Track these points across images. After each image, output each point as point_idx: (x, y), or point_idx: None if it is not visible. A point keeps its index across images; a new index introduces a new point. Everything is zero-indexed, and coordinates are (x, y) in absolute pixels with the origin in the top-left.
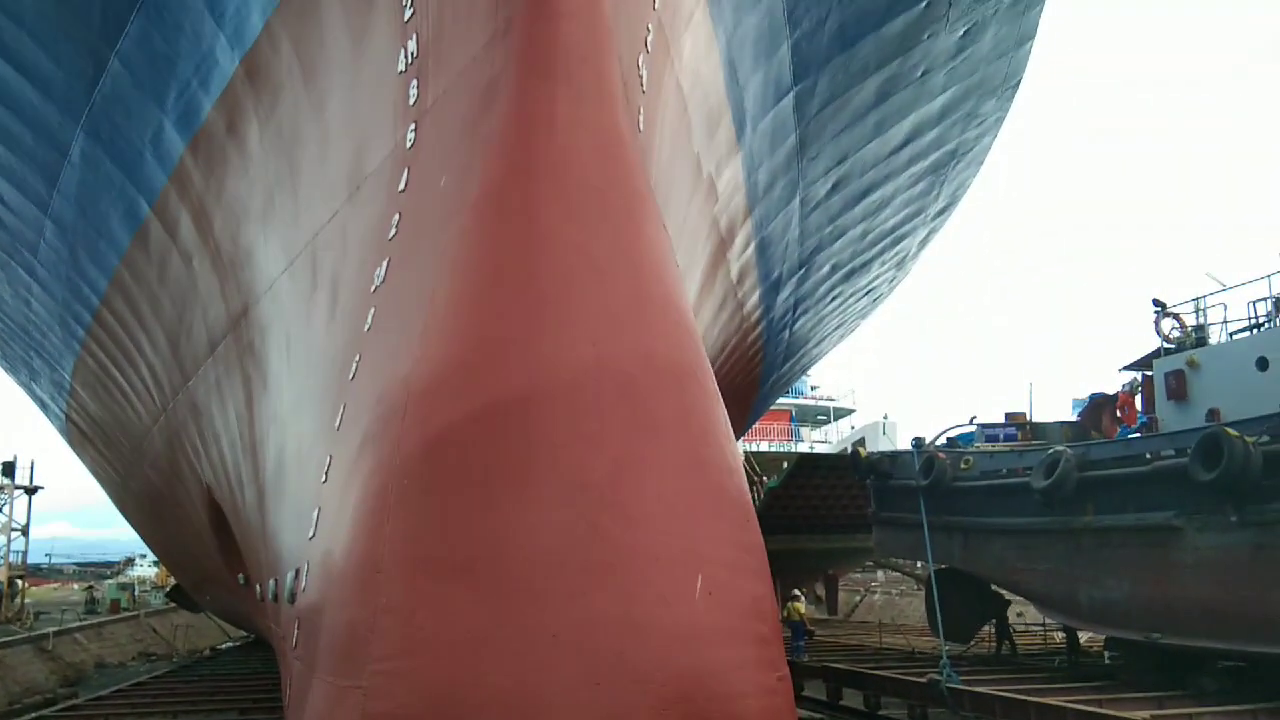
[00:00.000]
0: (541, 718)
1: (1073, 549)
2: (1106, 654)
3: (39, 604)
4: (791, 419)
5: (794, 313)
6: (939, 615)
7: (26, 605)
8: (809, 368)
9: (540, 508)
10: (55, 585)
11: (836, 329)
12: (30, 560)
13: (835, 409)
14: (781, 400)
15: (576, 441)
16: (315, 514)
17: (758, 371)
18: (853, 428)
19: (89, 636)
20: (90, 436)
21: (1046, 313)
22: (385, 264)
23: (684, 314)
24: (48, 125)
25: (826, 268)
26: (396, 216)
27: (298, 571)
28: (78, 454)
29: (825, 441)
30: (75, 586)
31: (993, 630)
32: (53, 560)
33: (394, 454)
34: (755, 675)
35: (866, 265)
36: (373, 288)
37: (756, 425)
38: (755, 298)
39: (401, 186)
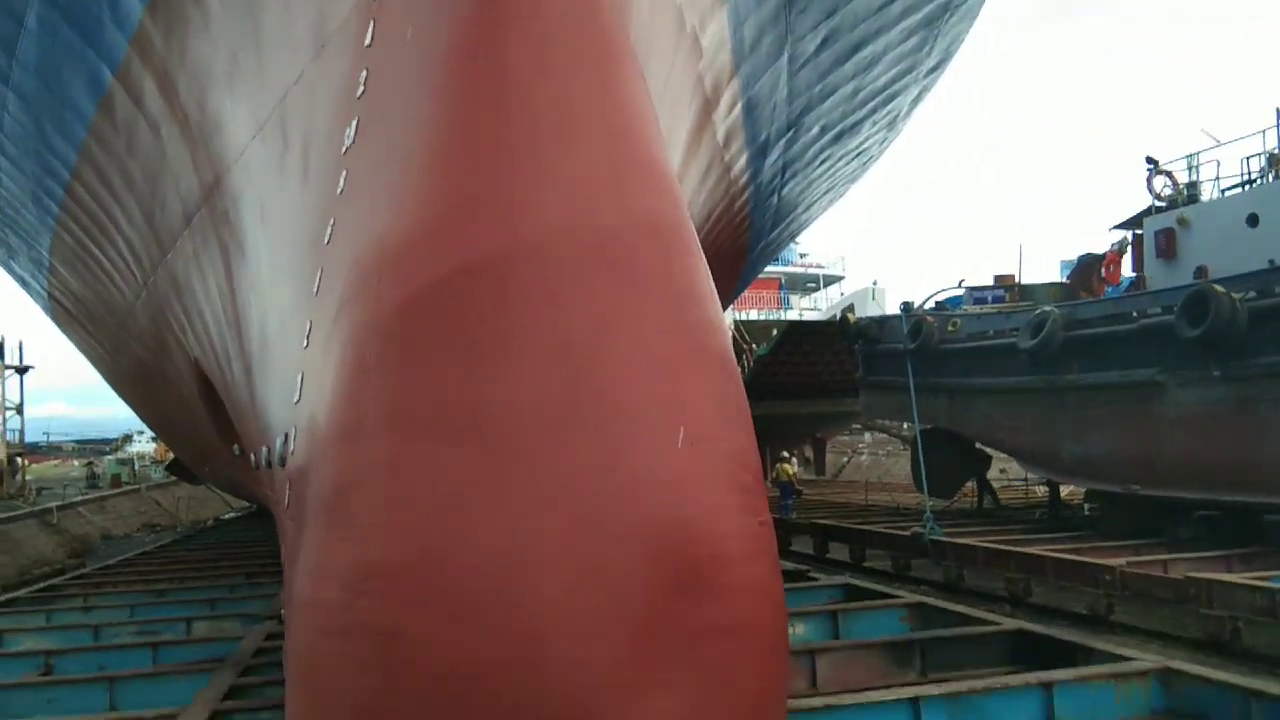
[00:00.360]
0: (531, 570)
1: (1057, 406)
2: (1086, 507)
3: (40, 480)
4: (781, 287)
5: (782, 177)
6: (924, 472)
7: (28, 482)
8: (798, 234)
9: (521, 365)
10: (56, 463)
11: (826, 194)
12: (28, 439)
13: (825, 276)
14: (770, 268)
15: (556, 299)
16: (299, 379)
17: (745, 239)
18: (842, 294)
19: (92, 510)
20: (75, 314)
21: (1039, 171)
22: (355, 124)
23: (665, 169)
24: None
25: (816, 129)
26: (364, 73)
27: (286, 436)
28: (64, 332)
29: (815, 309)
30: (75, 463)
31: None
32: (51, 439)
33: (371, 316)
34: (738, 520)
35: (857, 126)
36: (343, 149)
37: (745, 294)
38: (742, 162)
39: (368, 41)
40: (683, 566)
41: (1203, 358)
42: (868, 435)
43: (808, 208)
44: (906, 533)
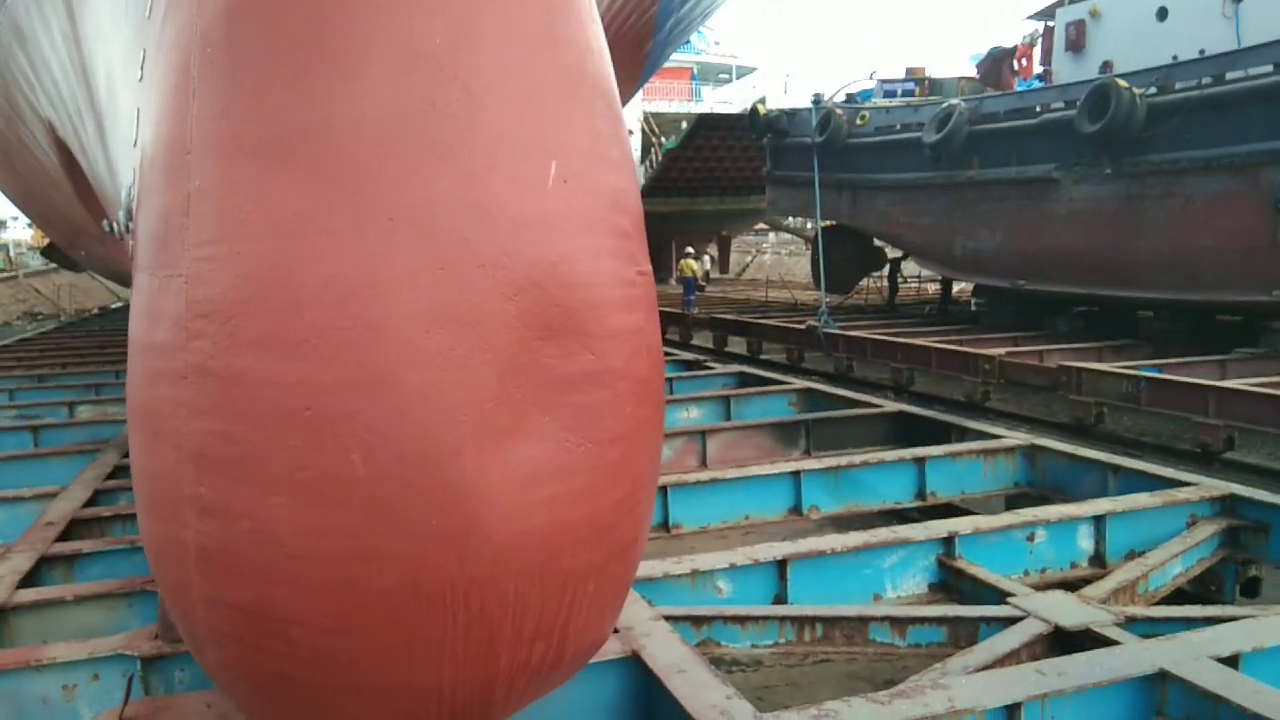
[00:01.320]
0: (382, 301)
1: (954, 202)
2: (973, 302)
3: None
4: (693, 77)
5: None
6: (822, 268)
7: None
8: (712, 11)
9: (367, 79)
10: None
11: None
12: None
13: (737, 67)
14: (681, 56)
15: (405, 3)
16: (137, 116)
17: (654, 10)
18: (753, 88)
19: None
20: None
21: None
22: None
23: None
24: None
25: None
26: None
27: (129, 188)
28: None
29: (727, 103)
30: None
31: (873, 284)
32: None
33: (193, 22)
34: (612, 265)
35: None
36: None
37: (655, 84)
38: None
39: None
40: (550, 309)
41: (1099, 154)
42: (772, 235)
43: None
44: (801, 326)
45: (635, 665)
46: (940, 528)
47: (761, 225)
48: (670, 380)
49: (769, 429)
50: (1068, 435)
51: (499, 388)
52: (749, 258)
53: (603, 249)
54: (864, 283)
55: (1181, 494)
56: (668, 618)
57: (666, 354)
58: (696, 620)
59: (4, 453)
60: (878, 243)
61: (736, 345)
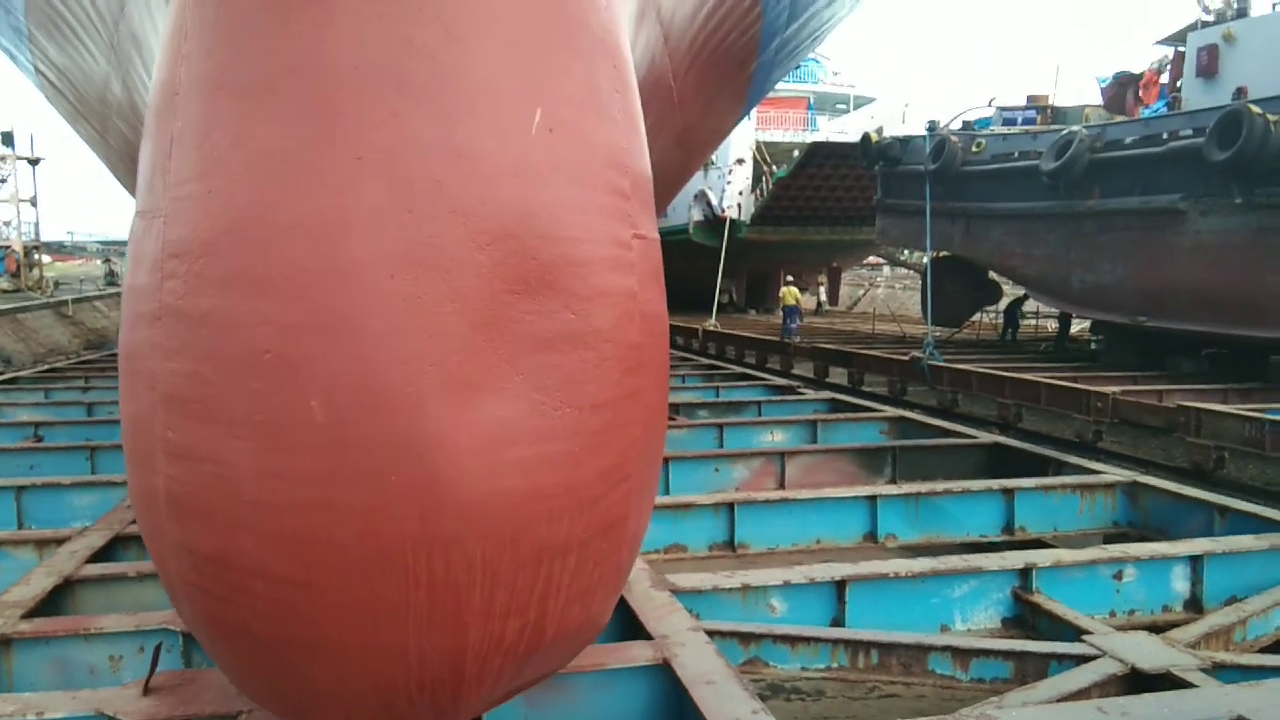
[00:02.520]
0: (347, 242)
1: (1073, 233)
2: (1092, 340)
3: (62, 277)
4: (809, 107)
5: None
6: (929, 299)
7: (46, 277)
8: (822, 35)
9: (346, 18)
10: (80, 262)
11: None
12: (50, 238)
13: (855, 97)
14: (796, 86)
15: None
16: None
17: (756, 29)
18: (871, 118)
19: (109, 305)
20: (60, 89)
21: None
22: None
23: None
24: None
25: None
26: None
27: None
28: (59, 112)
29: (843, 133)
30: (98, 263)
31: (987, 319)
32: (75, 239)
33: None
34: (602, 223)
35: None
36: None
37: (769, 113)
38: None
39: None
40: (527, 262)
41: (1228, 183)
42: (887, 269)
43: (830, 2)
44: (905, 358)
45: (665, 674)
46: (1017, 558)
47: (875, 260)
48: (758, 404)
49: (853, 454)
50: (1185, 480)
51: (468, 339)
52: (861, 291)
53: (592, 205)
54: (977, 318)
55: None
56: (713, 632)
57: (758, 379)
58: (744, 637)
59: (110, 442)
60: (993, 276)
61: (838, 376)
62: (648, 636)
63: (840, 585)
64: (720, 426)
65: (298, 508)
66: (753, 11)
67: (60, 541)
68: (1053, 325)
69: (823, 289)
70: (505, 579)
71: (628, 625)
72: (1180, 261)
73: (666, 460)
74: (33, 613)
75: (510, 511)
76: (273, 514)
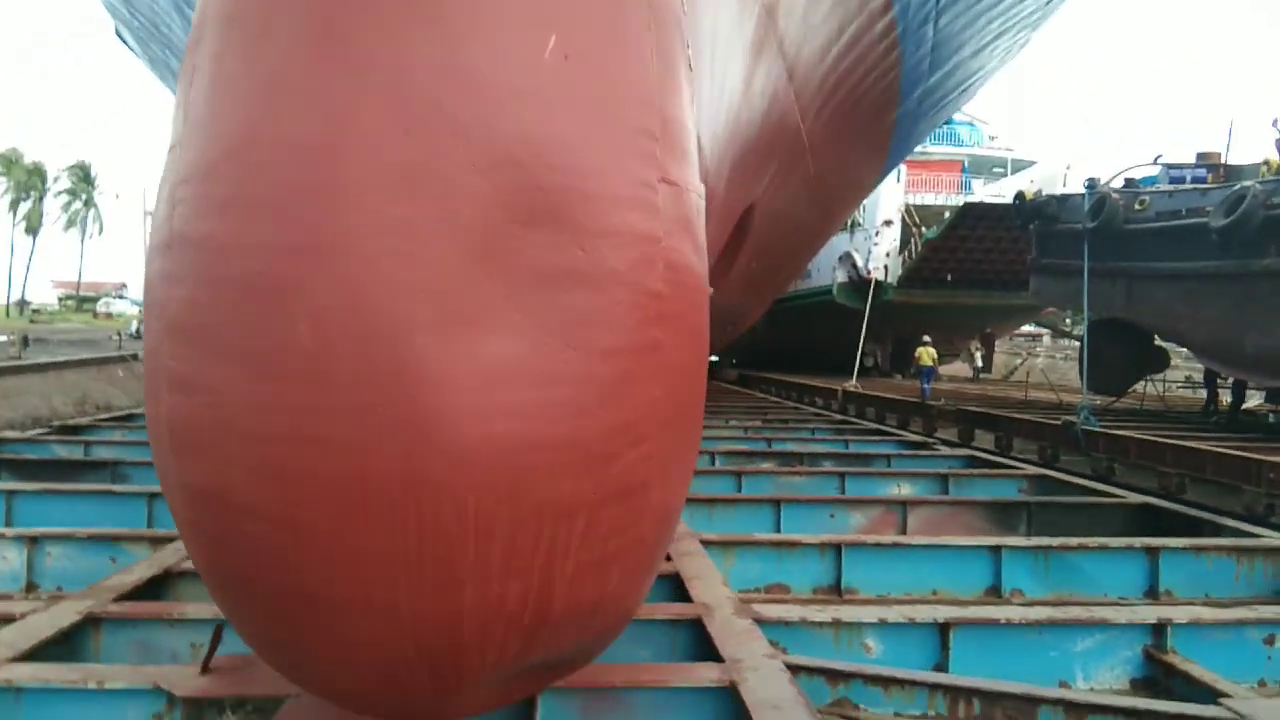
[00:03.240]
0: (342, 163)
1: (1245, 294)
2: (1270, 412)
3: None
4: (963, 170)
5: (936, 1)
6: (1085, 361)
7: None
8: (969, 88)
9: None
10: None
11: (998, 37)
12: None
13: (1013, 161)
14: (951, 149)
15: None
16: None
17: (895, 76)
18: (1031, 181)
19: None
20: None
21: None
22: None
23: None
24: None
25: None
26: None
27: None
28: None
29: (999, 196)
30: None
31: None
32: None
33: None
34: (621, 160)
35: None
36: None
37: (921, 176)
38: None
39: None
40: (532, 191)
41: None
42: (1047, 338)
43: (976, 52)
44: (1057, 423)
45: (729, 698)
46: (1149, 613)
47: (1035, 330)
48: (888, 457)
49: (983, 508)
50: None
51: (464, 270)
52: (1019, 360)
53: (610, 139)
54: (1141, 387)
55: None
56: (797, 667)
57: (892, 434)
58: (832, 675)
59: None
60: (1160, 342)
61: (984, 441)
62: (719, 660)
63: (944, 629)
64: (842, 475)
65: (284, 440)
66: (890, 55)
67: (173, 539)
68: (1226, 399)
69: (978, 354)
70: (502, 534)
71: (701, 648)
72: None
73: (776, 503)
74: (126, 597)
75: (506, 459)
76: (261, 446)
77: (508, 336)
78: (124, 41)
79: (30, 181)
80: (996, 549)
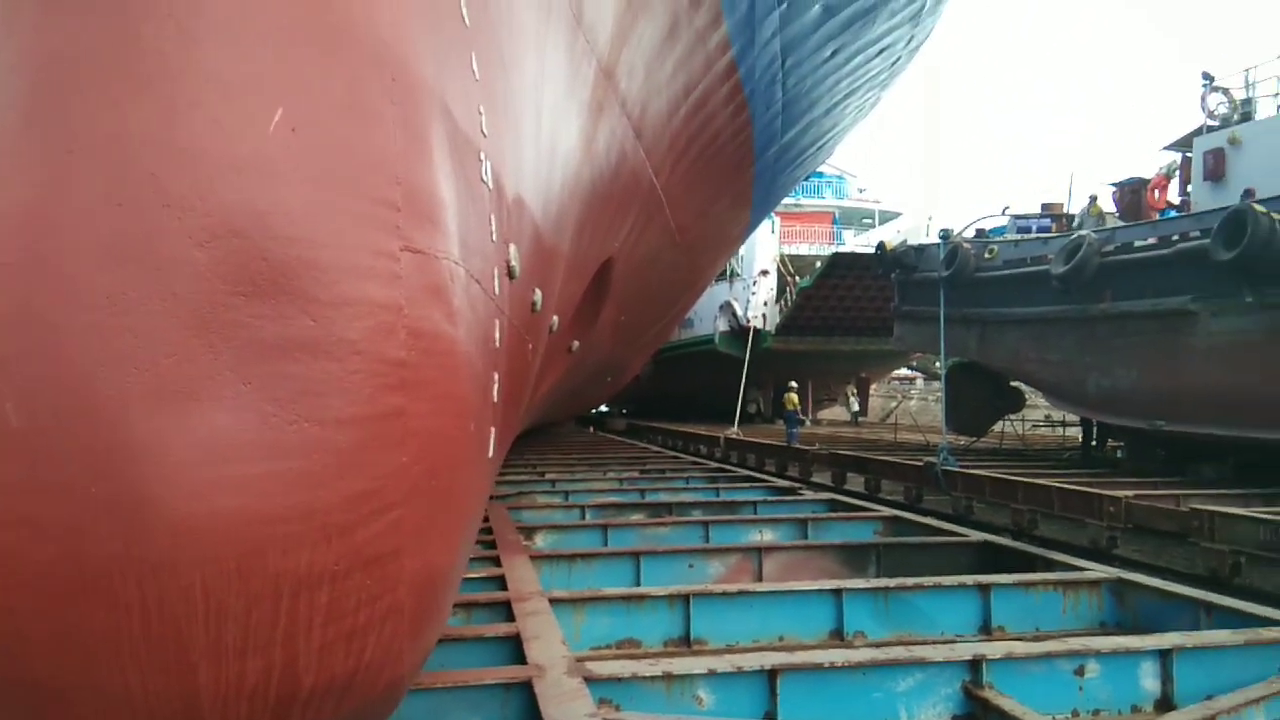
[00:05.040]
0: (52, 234)
1: (1086, 337)
2: (1116, 448)
3: None
4: (834, 221)
5: (782, 63)
6: (945, 405)
7: None
8: (826, 144)
9: (74, 12)
10: None
11: (847, 96)
12: None
13: (881, 212)
14: (821, 201)
15: None
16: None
17: (747, 134)
18: (898, 231)
19: None
20: None
21: (1100, 93)
22: None
23: None
24: None
25: (816, 8)
26: None
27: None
28: None
29: (868, 246)
30: None
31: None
32: None
33: None
34: (358, 230)
35: (870, 13)
36: None
37: (795, 227)
38: (720, 33)
39: None
40: (255, 263)
41: (1238, 283)
42: (920, 381)
43: (828, 110)
44: (920, 464)
45: None
46: (965, 649)
47: (909, 373)
48: (754, 504)
49: (835, 551)
50: (1203, 587)
51: (182, 342)
52: (894, 403)
53: (345, 210)
54: (1000, 427)
55: (1269, 633)
56: None
57: (762, 481)
58: None
59: None
60: (1015, 384)
61: (856, 483)
62: None
63: (772, 675)
64: (706, 524)
65: None
66: (741, 115)
67: None
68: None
69: (854, 399)
70: (235, 610)
71: (530, 712)
72: (1194, 363)
73: (637, 556)
74: None
75: (233, 534)
76: None
77: (232, 409)
78: None
79: None
80: (838, 592)
